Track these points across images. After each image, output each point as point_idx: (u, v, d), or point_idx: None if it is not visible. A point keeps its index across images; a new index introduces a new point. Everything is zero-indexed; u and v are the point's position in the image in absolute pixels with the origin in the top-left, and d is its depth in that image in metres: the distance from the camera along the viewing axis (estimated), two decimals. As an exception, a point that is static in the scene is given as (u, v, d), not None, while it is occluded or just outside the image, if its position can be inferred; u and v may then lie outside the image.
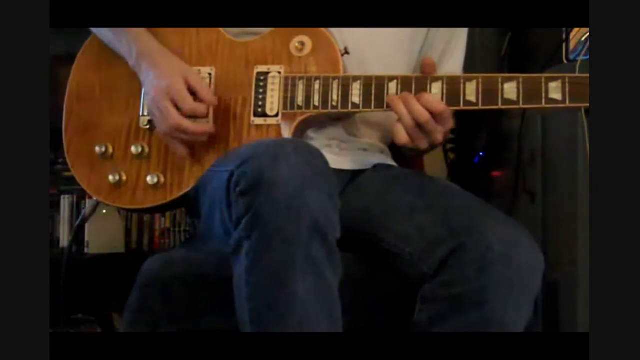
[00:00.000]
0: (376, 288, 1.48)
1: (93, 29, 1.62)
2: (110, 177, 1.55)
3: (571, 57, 2.12)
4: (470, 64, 1.68)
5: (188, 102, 1.47)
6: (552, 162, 2.21)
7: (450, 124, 1.43)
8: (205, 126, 1.49)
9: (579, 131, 2.03)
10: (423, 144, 1.42)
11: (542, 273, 1.34)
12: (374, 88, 1.45)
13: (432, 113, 1.39)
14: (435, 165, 2.51)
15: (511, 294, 1.30)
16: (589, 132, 1.95)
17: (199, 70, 1.54)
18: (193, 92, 1.48)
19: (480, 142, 2.58)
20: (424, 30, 1.63)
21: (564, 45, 2.14)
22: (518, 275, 1.30)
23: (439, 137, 1.42)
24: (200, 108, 1.48)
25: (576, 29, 2.12)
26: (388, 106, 1.44)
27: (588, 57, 1.97)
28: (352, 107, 1.47)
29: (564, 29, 2.15)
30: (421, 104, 1.40)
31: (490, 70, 1.49)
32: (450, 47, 1.65)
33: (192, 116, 1.48)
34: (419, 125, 1.40)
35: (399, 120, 1.41)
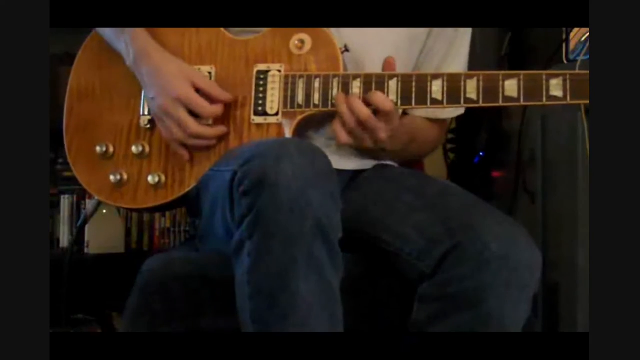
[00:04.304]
0: (376, 288, 1.48)
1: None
2: (112, 177, 1.54)
3: (571, 57, 2.13)
4: (470, 64, 1.68)
5: (207, 108, 1.48)
6: (552, 162, 2.22)
7: (396, 122, 1.44)
8: (221, 128, 1.50)
9: (579, 131, 2.03)
10: (367, 142, 1.44)
11: (540, 271, 1.34)
12: (374, 86, 1.45)
13: (379, 111, 1.41)
14: (435, 165, 2.51)
15: (509, 292, 1.30)
16: (589, 132, 1.95)
17: (199, 69, 1.54)
18: (200, 93, 1.48)
19: (480, 142, 2.59)
20: (422, 35, 1.62)
21: (564, 45, 2.15)
22: (515, 273, 1.30)
23: (382, 135, 1.43)
24: (217, 109, 1.49)
25: (576, 29, 2.12)
26: (333, 105, 1.45)
27: (588, 57, 1.97)
28: None
29: (564, 29, 2.15)
30: (371, 102, 1.41)
31: (491, 70, 1.49)
32: (451, 53, 1.64)
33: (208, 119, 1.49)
34: (360, 123, 1.42)
35: (339, 118, 1.43)
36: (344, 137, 1.44)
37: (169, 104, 1.48)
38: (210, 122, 1.50)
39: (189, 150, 1.51)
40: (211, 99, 1.49)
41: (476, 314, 1.31)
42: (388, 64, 1.46)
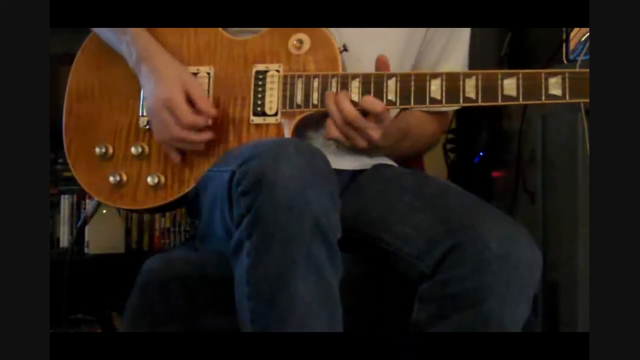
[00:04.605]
0: (376, 288, 1.48)
1: (93, 28, 1.61)
2: (111, 178, 1.54)
3: (571, 57, 2.13)
4: (470, 64, 1.68)
5: (187, 116, 1.47)
6: (552, 162, 2.22)
7: (388, 122, 1.45)
8: (206, 135, 1.49)
9: (579, 131, 2.04)
10: (358, 141, 1.45)
11: (540, 271, 1.34)
12: (373, 86, 1.45)
13: (369, 113, 1.42)
14: (435, 165, 2.51)
15: (509, 292, 1.30)
16: (589, 132, 1.95)
17: (198, 70, 1.54)
18: (191, 102, 1.48)
19: (480, 142, 2.59)
20: (421, 30, 1.62)
21: (564, 45, 2.15)
22: (515, 273, 1.30)
23: (373, 134, 1.44)
24: (199, 120, 1.48)
25: (576, 29, 2.12)
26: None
27: (588, 57, 1.97)
28: None
29: (564, 29, 2.15)
30: (363, 107, 1.42)
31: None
32: (449, 47, 1.64)
33: (192, 128, 1.48)
34: (348, 122, 1.42)
35: (330, 116, 1.44)
36: (333, 131, 1.44)
37: (157, 104, 1.48)
38: (210, 122, 1.49)
39: (182, 152, 1.51)
40: (198, 111, 1.48)
41: (476, 314, 1.31)
42: (381, 62, 1.46)
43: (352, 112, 1.42)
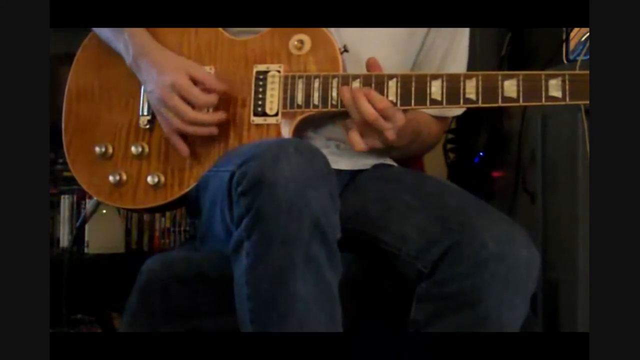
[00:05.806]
0: (375, 288, 1.48)
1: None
2: (111, 178, 1.54)
3: (571, 57, 2.13)
4: (471, 64, 1.68)
5: (199, 96, 1.47)
6: (552, 162, 2.22)
7: (400, 120, 1.43)
8: (221, 114, 1.49)
9: (579, 131, 2.04)
10: (376, 143, 1.44)
11: (538, 271, 1.34)
12: (374, 86, 1.45)
13: (377, 110, 1.41)
14: (435, 165, 2.51)
15: (506, 291, 1.30)
16: (589, 132, 1.95)
17: (200, 68, 1.54)
18: (196, 84, 1.48)
19: (480, 142, 2.59)
20: (421, 31, 1.62)
21: (564, 45, 2.15)
22: (513, 273, 1.30)
23: (390, 134, 1.43)
24: (211, 99, 1.48)
25: (576, 29, 2.12)
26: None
27: (588, 57, 1.97)
28: None
29: (564, 29, 2.15)
30: (368, 98, 1.41)
31: (491, 70, 1.49)
32: (452, 50, 1.64)
33: (205, 107, 1.48)
34: (368, 124, 1.42)
35: (351, 119, 1.43)
36: (359, 143, 1.43)
37: (165, 92, 1.47)
38: (211, 111, 1.49)
39: (189, 146, 1.51)
40: (207, 90, 1.48)
41: (474, 313, 1.31)
42: (371, 65, 1.46)
43: (372, 113, 1.41)
